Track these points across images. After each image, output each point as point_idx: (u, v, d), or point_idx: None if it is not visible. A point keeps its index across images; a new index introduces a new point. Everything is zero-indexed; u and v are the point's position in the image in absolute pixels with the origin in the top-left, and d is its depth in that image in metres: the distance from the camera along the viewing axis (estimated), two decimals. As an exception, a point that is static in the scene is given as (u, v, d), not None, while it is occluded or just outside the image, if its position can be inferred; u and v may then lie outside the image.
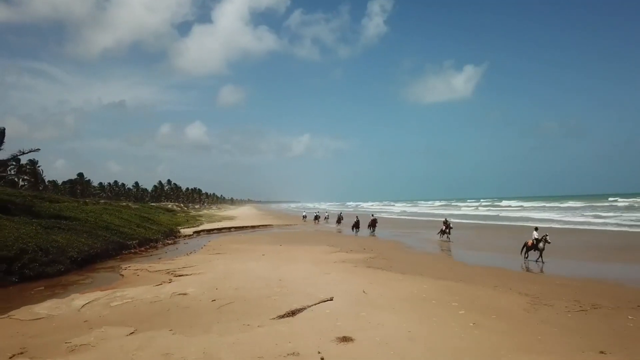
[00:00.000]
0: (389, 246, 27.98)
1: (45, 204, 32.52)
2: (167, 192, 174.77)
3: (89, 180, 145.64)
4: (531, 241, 20.56)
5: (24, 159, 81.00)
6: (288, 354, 7.75)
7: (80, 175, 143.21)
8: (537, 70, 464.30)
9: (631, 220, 44.85)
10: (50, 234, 22.27)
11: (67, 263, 20.18)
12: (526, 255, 20.77)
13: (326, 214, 66.37)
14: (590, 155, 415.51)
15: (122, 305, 12.19)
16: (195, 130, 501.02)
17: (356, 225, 38.45)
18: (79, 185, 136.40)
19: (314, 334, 8.88)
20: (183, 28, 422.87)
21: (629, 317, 10.44)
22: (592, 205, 76.91)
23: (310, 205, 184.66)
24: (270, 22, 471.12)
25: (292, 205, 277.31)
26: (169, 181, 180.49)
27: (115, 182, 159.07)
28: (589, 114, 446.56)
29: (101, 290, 14.31)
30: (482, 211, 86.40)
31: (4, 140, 26.68)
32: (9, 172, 29.41)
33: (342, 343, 8.31)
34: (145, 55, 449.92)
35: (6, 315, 11.52)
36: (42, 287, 16.51)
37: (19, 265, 17.88)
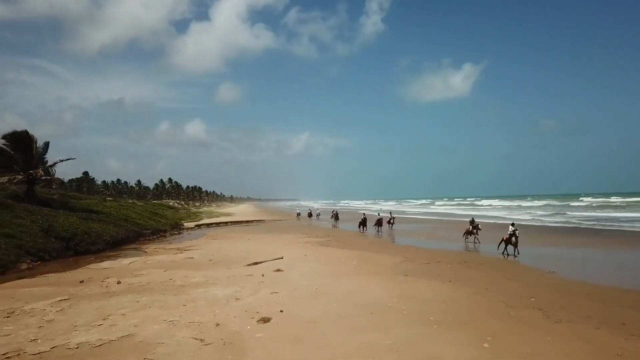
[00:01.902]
0: (348, 234, 35.64)
1: (74, 201, 40.03)
2: (169, 190, 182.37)
3: (93, 178, 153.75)
4: (506, 236, 21.52)
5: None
6: (247, 275, 15.32)
7: (86, 173, 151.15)
8: (536, 68, 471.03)
9: (565, 217, 51.64)
10: (88, 223, 29.76)
11: (103, 244, 27.66)
12: (503, 251, 21.44)
13: (318, 211, 73.62)
14: (590, 153, 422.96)
15: (153, 263, 19.74)
16: (194, 128, 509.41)
17: (363, 223, 38.07)
18: (85, 184, 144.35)
19: (263, 270, 16.44)
20: (180, 25, 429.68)
21: (448, 266, 17.90)
22: (565, 205, 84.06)
23: (304, 203, 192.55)
24: (267, 20, 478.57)
25: (290, 203, 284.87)
26: (170, 179, 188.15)
27: (118, 180, 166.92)
28: (588, 112, 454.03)
29: (137, 257, 21.88)
30: (440, 209, 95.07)
31: (47, 150, 34.13)
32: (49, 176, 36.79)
33: (276, 272, 15.90)
34: (142, 53, 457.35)
35: (85, 267, 19.07)
36: (92, 258, 23.97)
37: (73, 243, 25.37)
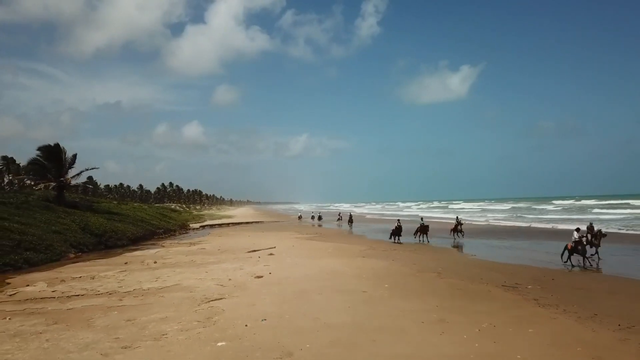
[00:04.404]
0: (335, 232, 41.37)
1: (96, 204, 45.70)
2: (170, 193, 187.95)
3: (97, 182, 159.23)
4: (570, 244, 19.11)
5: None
6: (248, 257, 21.04)
7: (90, 178, 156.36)
8: (534, 70, 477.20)
9: (519, 220, 56.73)
10: (113, 223, 35.40)
11: (126, 240, 33.26)
12: (566, 260, 19.06)
13: (318, 214, 79.16)
14: (590, 155, 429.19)
15: (175, 252, 25.40)
16: (192, 130, 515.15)
17: (397, 233, 30.23)
18: (89, 186, 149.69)
19: (260, 254, 22.14)
20: (176, 28, 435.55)
21: (399, 252, 23.57)
22: (530, 207, 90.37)
23: (302, 207, 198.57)
24: (262, 23, 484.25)
25: (288, 206, 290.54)
26: (170, 183, 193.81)
27: (121, 184, 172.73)
28: (587, 114, 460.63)
29: (159, 249, 27.54)
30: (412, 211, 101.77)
31: (75, 161, 39.87)
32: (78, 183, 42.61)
33: (269, 255, 21.62)
34: (138, 55, 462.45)
35: (121, 255, 24.73)
36: (120, 250, 29.58)
37: (104, 239, 31.00)
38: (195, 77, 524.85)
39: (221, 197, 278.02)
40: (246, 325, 9.52)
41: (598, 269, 18.43)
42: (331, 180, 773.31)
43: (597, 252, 20.62)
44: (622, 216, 52.39)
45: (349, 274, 16.31)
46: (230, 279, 15.13)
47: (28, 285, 14.93)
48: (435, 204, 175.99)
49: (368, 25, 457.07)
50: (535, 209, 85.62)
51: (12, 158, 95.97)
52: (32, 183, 43.93)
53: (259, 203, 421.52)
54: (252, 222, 66.60)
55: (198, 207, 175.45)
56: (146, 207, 72.13)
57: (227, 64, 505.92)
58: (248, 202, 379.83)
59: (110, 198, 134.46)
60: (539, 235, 34.82)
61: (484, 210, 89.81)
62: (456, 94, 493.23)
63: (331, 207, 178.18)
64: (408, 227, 32.09)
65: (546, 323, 9.99)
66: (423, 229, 29.86)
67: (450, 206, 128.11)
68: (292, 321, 9.94)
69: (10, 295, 13.48)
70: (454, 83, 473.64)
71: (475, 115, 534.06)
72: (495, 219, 58.82)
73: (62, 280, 15.76)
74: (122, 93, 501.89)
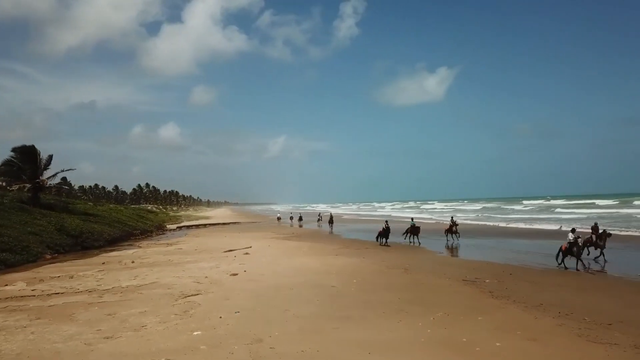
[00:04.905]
0: (310, 231, 42.23)
1: (72, 205, 45.46)
2: (146, 194, 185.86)
3: (71, 183, 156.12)
4: (565, 245, 18.47)
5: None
6: (224, 257, 21.68)
7: (64, 179, 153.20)
8: (511, 72, 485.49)
9: (491, 220, 58.86)
10: (90, 224, 35.48)
11: (103, 241, 33.40)
12: (561, 262, 18.57)
13: (299, 215, 79.77)
14: (563, 156, 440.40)
15: (152, 252, 25.84)
16: (169, 131, 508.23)
17: (384, 235, 27.76)
18: (64, 188, 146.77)
19: (236, 254, 22.80)
20: (152, 27, 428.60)
21: (371, 250, 24.54)
22: (500, 207, 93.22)
23: (280, 208, 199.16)
24: (240, 23, 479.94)
25: (266, 207, 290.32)
26: (147, 184, 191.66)
27: (96, 185, 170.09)
28: (561, 116, 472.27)
29: (136, 249, 27.90)
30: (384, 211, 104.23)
31: (51, 162, 39.70)
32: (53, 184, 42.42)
33: (245, 255, 22.30)
34: (113, 55, 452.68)
35: (98, 256, 25.04)
36: (97, 252, 29.78)
37: (81, 240, 31.14)
38: (171, 78, 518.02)
39: (198, 198, 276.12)
40: (220, 317, 10.27)
41: (603, 270, 18.00)
42: (309, 182, 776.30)
43: (602, 254, 19.88)
44: (585, 215, 54.73)
45: (320, 271, 17.15)
46: (206, 277, 15.80)
47: (7, 285, 15.30)
48: (411, 204, 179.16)
49: (347, 26, 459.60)
50: (504, 208, 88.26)
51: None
52: (6, 184, 43.41)
53: (237, 204, 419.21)
54: (229, 223, 66.89)
55: (175, 208, 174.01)
56: (122, 208, 71.65)
57: (204, 65, 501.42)
58: (226, 203, 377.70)
59: (85, 199, 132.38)
60: (503, 234, 36.35)
61: (456, 210, 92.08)
62: (433, 95, 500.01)
63: (308, 208, 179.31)
64: (374, 228, 33.11)
65: (495, 312, 11.02)
66: (414, 230, 28.83)
67: (424, 206, 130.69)
68: (264, 313, 10.73)
69: (-9, 294, 13.89)
70: (431, 85, 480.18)
71: (453, 116, 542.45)
72: (463, 219, 60.50)
73: (41, 280, 16.17)
74: (97, 93, 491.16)
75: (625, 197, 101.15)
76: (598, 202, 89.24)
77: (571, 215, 55.84)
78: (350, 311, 10.94)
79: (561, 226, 21.95)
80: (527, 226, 43.78)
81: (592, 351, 8.14)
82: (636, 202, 77.44)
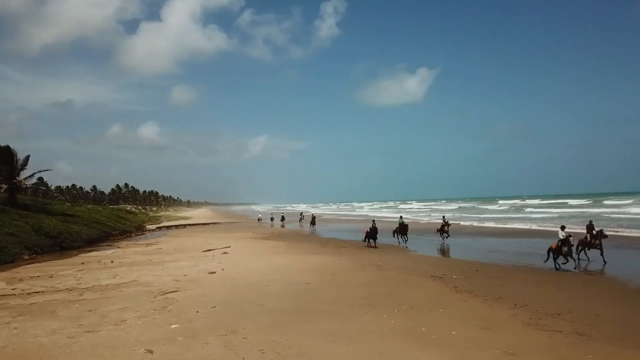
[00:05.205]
0: (291, 231, 42.84)
1: (49, 206, 45.13)
2: (125, 194, 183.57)
3: (47, 183, 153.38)
4: (555, 244, 17.64)
5: None
6: (203, 256, 22.14)
7: (40, 179, 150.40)
8: (490, 72, 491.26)
9: (465, 219, 60.27)
10: (68, 224, 35.41)
11: (81, 242, 33.41)
12: (548, 260, 17.92)
13: (281, 215, 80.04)
14: (539, 156, 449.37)
15: (131, 252, 26.10)
16: (148, 131, 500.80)
17: (372, 235, 27.10)
18: (41, 188, 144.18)
19: (215, 253, 23.27)
20: (130, 25, 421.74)
21: (348, 249, 25.26)
22: (475, 207, 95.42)
23: (260, 208, 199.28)
24: (220, 21, 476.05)
25: (246, 207, 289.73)
26: (126, 184, 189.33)
27: (73, 185, 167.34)
28: (536, 117, 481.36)
29: (116, 249, 28.09)
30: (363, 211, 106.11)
31: (28, 163, 39.42)
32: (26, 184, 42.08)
33: (224, 254, 22.79)
34: (90, 53, 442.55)
35: (77, 256, 25.20)
36: (76, 252, 29.86)
37: (59, 240, 31.13)
38: (150, 76, 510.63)
39: (178, 198, 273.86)
40: (197, 312, 10.83)
41: (602, 272, 17.46)
42: (290, 182, 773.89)
43: (602, 255, 18.54)
44: (556, 215, 56.56)
45: (296, 268, 17.80)
46: (185, 275, 16.28)
47: (-14, 285, 15.54)
48: (390, 204, 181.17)
49: (327, 26, 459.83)
50: (479, 208, 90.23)
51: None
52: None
53: (217, 204, 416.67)
54: (209, 224, 67.00)
55: (154, 208, 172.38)
56: (100, 208, 71.09)
57: (183, 63, 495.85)
58: (206, 204, 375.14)
59: (63, 200, 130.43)
60: (475, 233, 37.57)
61: (432, 210, 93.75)
62: (413, 96, 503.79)
63: (289, 208, 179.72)
64: (360, 228, 33.94)
65: (456, 305, 11.82)
66: (402, 229, 28.52)
67: (401, 206, 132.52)
68: (239, 308, 11.32)
69: (-29, 293, 14.13)
70: (412, 85, 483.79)
71: (432, 117, 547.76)
72: (437, 219, 61.84)
73: (21, 280, 16.43)
74: (74, 92, 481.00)
75: (597, 197, 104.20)
76: (571, 201, 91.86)
77: (542, 215, 57.57)
78: (321, 305, 11.60)
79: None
80: (499, 225, 45.20)
81: (537, 338, 8.97)
82: (606, 202, 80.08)
